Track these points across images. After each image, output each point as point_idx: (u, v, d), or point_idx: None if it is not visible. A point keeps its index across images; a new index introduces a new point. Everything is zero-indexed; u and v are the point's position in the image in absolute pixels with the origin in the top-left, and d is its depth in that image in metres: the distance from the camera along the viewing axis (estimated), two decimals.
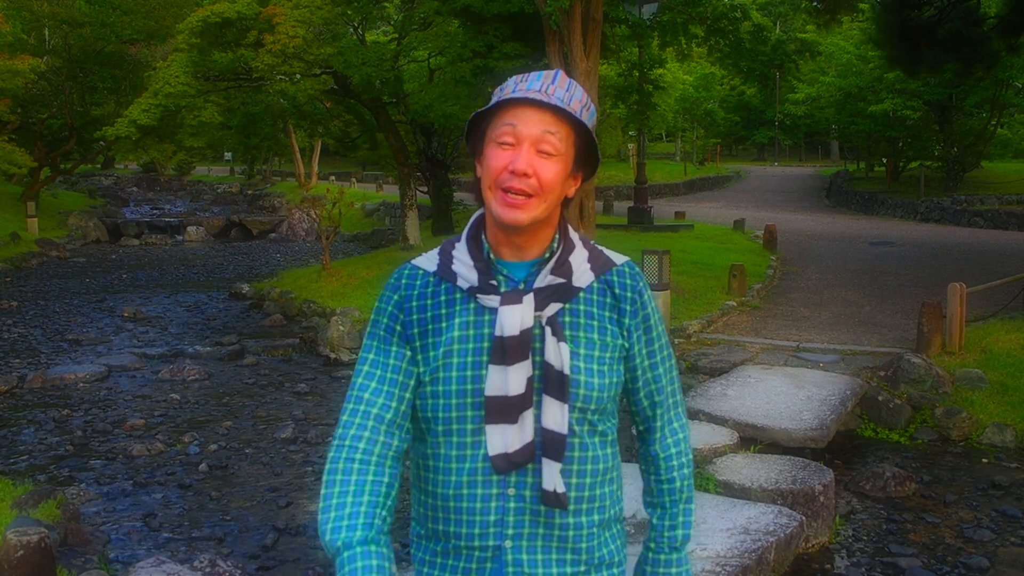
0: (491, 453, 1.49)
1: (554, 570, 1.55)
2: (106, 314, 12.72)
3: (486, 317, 1.51)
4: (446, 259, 1.56)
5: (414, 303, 1.55)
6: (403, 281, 1.58)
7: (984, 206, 21.35)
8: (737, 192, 31.79)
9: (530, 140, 1.46)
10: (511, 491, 1.52)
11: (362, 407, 1.53)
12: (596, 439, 1.56)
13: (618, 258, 1.61)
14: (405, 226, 16.43)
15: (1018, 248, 15.23)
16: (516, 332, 1.48)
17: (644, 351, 1.60)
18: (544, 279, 1.52)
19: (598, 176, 18.17)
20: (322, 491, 1.51)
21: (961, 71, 15.51)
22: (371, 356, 1.56)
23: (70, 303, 13.73)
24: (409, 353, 1.55)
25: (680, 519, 1.67)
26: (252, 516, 5.35)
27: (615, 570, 1.63)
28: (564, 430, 1.49)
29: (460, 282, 1.53)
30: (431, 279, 1.56)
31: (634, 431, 1.70)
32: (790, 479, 4.84)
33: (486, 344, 1.50)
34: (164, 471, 6.14)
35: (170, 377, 8.78)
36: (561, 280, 1.52)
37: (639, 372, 1.61)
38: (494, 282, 1.52)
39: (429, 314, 1.54)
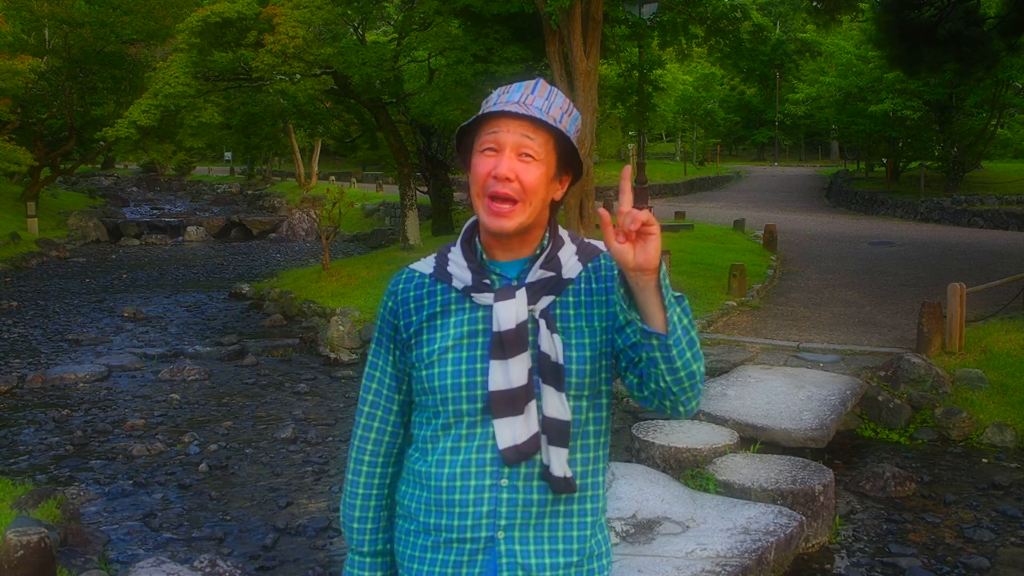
0: (502, 446, 1.54)
1: (547, 560, 1.58)
2: (106, 314, 12.72)
3: (480, 314, 1.58)
4: (442, 262, 1.64)
5: (411, 304, 1.63)
6: (400, 286, 1.67)
7: (984, 206, 21.35)
8: (737, 192, 31.79)
9: (511, 146, 1.54)
10: (504, 482, 1.56)
11: (376, 410, 1.71)
12: (591, 427, 1.63)
13: (603, 246, 1.64)
14: (405, 226, 16.43)
15: (1018, 248, 15.23)
16: (512, 326, 1.54)
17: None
18: (535, 274, 1.59)
19: (598, 176, 18.15)
20: (346, 487, 1.75)
21: (961, 71, 15.51)
22: (376, 360, 1.72)
23: (70, 303, 13.73)
24: (404, 357, 1.66)
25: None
26: (252, 516, 5.35)
27: (604, 561, 1.67)
28: (567, 416, 1.55)
29: (455, 282, 1.61)
30: (427, 281, 1.64)
31: (635, 384, 1.60)
32: (790, 479, 4.84)
33: (480, 340, 1.57)
34: (164, 471, 6.14)
35: (170, 377, 8.78)
36: (551, 273, 1.59)
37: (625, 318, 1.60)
38: (487, 281, 1.59)
39: (425, 313, 1.62)
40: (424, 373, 1.59)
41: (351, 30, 16.92)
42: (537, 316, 1.56)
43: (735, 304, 10.04)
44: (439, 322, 1.60)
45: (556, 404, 1.55)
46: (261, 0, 14.04)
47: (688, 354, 1.46)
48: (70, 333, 11.14)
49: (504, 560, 1.56)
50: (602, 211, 1.43)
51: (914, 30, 12.04)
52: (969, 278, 9.33)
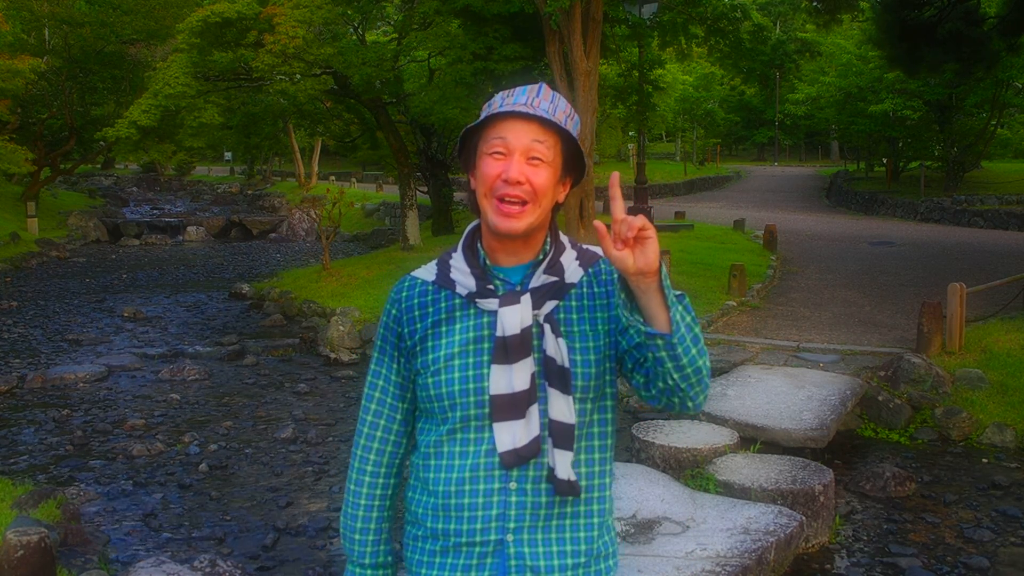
0: (500, 450, 1.55)
1: (555, 562, 1.59)
2: (106, 314, 12.72)
3: (485, 320, 1.58)
4: (444, 268, 1.65)
5: (415, 312, 1.64)
6: (403, 294, 1.67)
7: (984, 206, 21.34)
8: (737, 192, 31.79)
9: (520, 150, 1.55)
10: (513, 485, 1.57)
11: (379, 419, 1.71)
12: (595, 428, 1.63)
13: (601, 251, 1.67)
14: (405, 226, 16.43)
15: (1018, 248, 15.23)
16: (517, 331, 1.55)
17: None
18: (539, 279, 1.59)
19: (598, 176, 18.15)
20: (347, 497, 1.74)
21: (961, 71, 15.50)
22: (379, 369, 1.70)
23: (70, 303, 13.73)
24: (408, 365, 1.66)
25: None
26: (252, 516, 5.35)
27: (611, 562, 1.68)
28: (572, 420, 1.56)
29: (459, 289, 1.61)
30: (430, 288, 1.65)
31: (641, 383, 1.61)
32: (790, 479, 4.84)
33: (486, 346, 1.57)
34: (164, 471, 6.14)
35: (170, 377, 8.78)
36: (554, 278, 1.60)
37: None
38: (491, 286, 1.59)
39: (430, 320, 1.62)
40: (431, 380, 1.60)
41: (351, 30, 16.92)
42: (542, 321, 1.57)
43: (735, 304, 10.04)
44: (444, 328, 1.60)
45: (562, 407, 1.56)
46: (261, 0, 14.04)
47: (693, 351, 1.46)
48: (70, 333, 11.14)
49: (513, 563, 1.57)
50: (597, 224, 1.44)
51: (914, 30, 12.04)
52: (969, 278, 9.33)
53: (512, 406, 1.55)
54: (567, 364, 1.55)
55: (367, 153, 24.70)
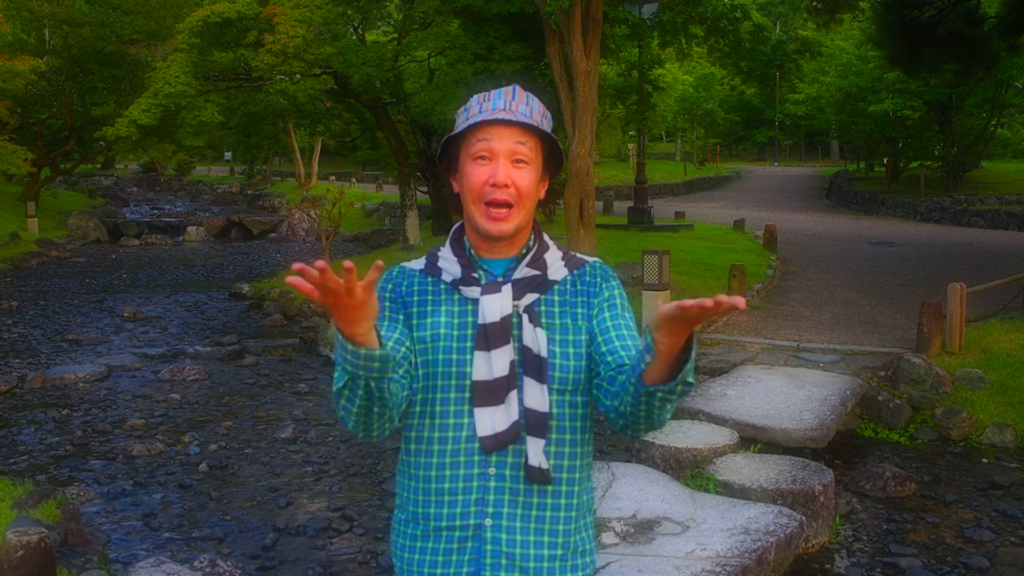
0: (480, 434, 1.59)
1: (532, 551, 1.62)
2: (106, 314, 12.72)
3: (468, 307, 1.64)
4: (432, 259, 1.72)
5: (403, 289, 1.70)
6: (394, 274, 1.74)
7: (984, 206, 21.35)
8: (737, 192, 31.79)
9: (505, 153, 1.61)
10: (492, 470, 1.61)
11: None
12: (578, 423, 1.66)
13: (590, 258, 1.76)
14: (405, 226, 16.44)
15: (1018, 248, 15.23)
16: (497, 319, 1.61)
17: (606, 313, 1.66)
18: (521, 272, 1.66)
19: (598, 176, 18.16)
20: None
21: (961, 71, 15.51)
22: (381, 323, 1.65)
23: (70, 303, 13.73)
24: (404, 318, 1.67)
25: None
26: (252, 516, 5.35)
27: (587, 558, 1.71)
28: (546, 408, 1.60)
29: (444, 276, 1.68)
30: (417, 274, 1.71)
31: (606, 391, 1.60)
32: (790, 479, 4.84)
33: (469, 332, 1.62)
34: (164, 471, 6.14)
35: (170, 377, 8.78)
36: (537, 273, 1.66)
37: (605, 326, 1.64)
38: (475, 275, 1.65)
39: (416, 299, 1.68)
40: (419, 359, 1.64)
41: (351, 30, 16.92)
42: (521, 311, 1.62)
43: None
44: (430, 309, 1.66)
45: (537, 396, 1.59)
46: (261, 0, 14.04)
47: (668, 407, 1.48)
48: (70, 333, 11.14)
49: (489, 547, 1.60)
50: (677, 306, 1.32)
51: (914, 30, 12.04)
52: (969, 278, 9.33)
53: (492, 392, 1.59)
54: (544, 354, 1.60)
55: (367, 153, 24.75)
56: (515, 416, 1.59)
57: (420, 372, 1.64)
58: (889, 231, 18.76)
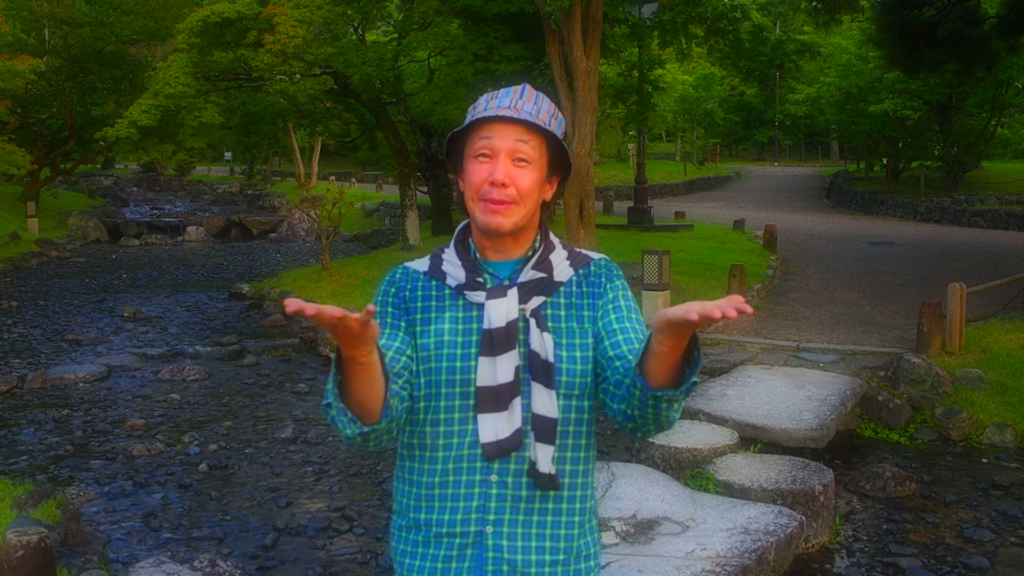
0: (483, 441, 1.57)
1: (534, 557, 1.60)
2: (106, 314, 12.72)
3: (474, 312, 1.61)
4: (436, 261, 1.68)
5: (407, 294, 1.66)
6: (398, 276, 1.69)
7: (984, 206, 21.34)
8: (737, 192, 31.79)
9: (505, 152, 1.58)
10: (494, 478, 1.58)
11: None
12: (583, 427, 1.64)
13: (595, 255, 1.71)
14: (405, 226, 16.43)
15: (1018, 248, 15.23)
16: (503, 324, 1.57)
17: (612, 316, 1.63)
18: (527, 275, 1.62)
19: (598, 176, 18.15)
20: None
21: (961, 71, 15.50)
22: (383, 331, 1.62)
23: (70, 303, 13.73)
24: (406, 325, 1.63)
25: None
26: (252, 516, 5.35)
27: (592, 563, 1.68)
28: (555, 414, 1.57)
29: (449, 280, 1.64)
30: (421, 277, 1.67)
31: (612, 394, 1.59)
32: (790, 479, 4.84)
33: (474, 338, 1.60)
34: (164, 471, 6.14)
35: (170, 377, 8.78)
36: (543, 275, 1.63)
37: (611, 329, 1.62)
38: (480, 279, 1.62)
39: (420, 304, 1.64)
40: (422, 367, 1.62)
41: (351, 30, 16.92)
42: (528, 315, 1.60)
43: None
44: (433, 315, 1.63)
45: (545, 402, 1.57)
46: (261, 0, 14.04)
47: (675, 407, 1.46)
48: (70, 333, 11.14)
49: (491, 554, 1.59)
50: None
51: (914, 30, 12.04)
52: (969, 278, 9.33)
53: (496, 398, 1.56)
54: (551, 359, 1.57)
55: (367, 153, 24.74)
56: (518, 423, 1.57)
57: (422, 380, 1.61)
58: (889, 231, 18.76)
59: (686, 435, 5.47)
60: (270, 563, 4.69)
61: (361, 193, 30.11)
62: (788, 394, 6.51)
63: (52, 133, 27.49)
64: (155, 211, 31.44)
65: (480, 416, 1.57)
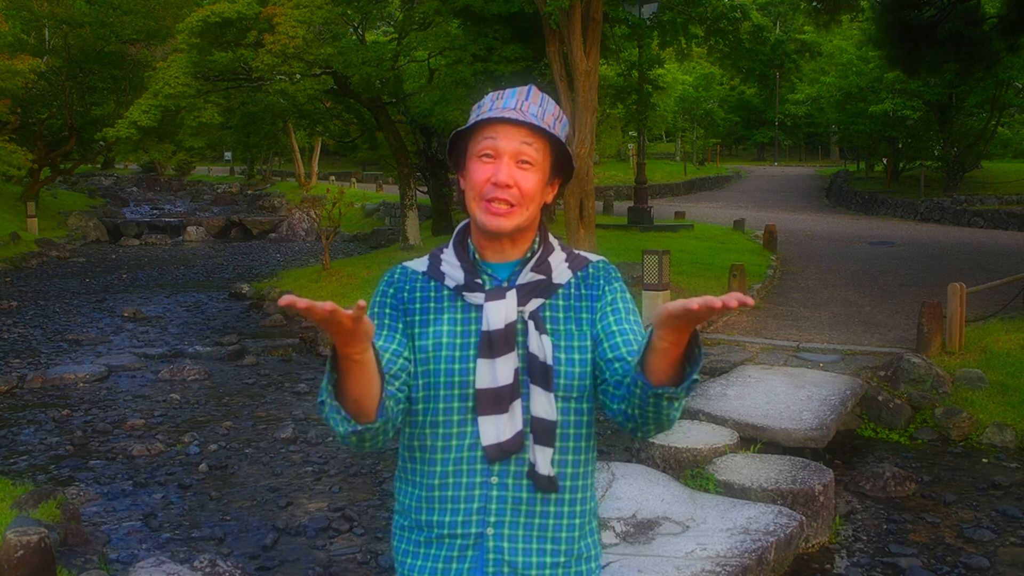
0: (485, 443, 1.57)
1: (534, 559, 1.60)
2: (106, 314, 12.72)
3: (472, 314, 1.61)
4: (435, 262, 1.67)
5: (405, 295, 1.65)
6: (396, 276, 1.68)
7: (984, 206, 21.35)
8: (737, 192, 31.79)
9: (509, 153, 1.58)
10: (494, 479, 1.58)
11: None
12: (583, 429, 1.63)
13: (593, 257, 1.71)
14: (405, 226, 16.43)
15: (1018, 248, 15.23)
16: (501, 326, 1.57)
17: (610, 317, 1.63)
18: (525, 276, 1.62)
19: (598, 176, 18.15)
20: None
21: (961, 71, 15.52)
22: (380, 332, 1.62)
23: (70, 303, 13.73)
24: (406, 333, 1.63)
25: None
26: (252, 516, 5.35)
27: (592, 564, 1.68)
28: (553, 417, 1.57)
29: (447, 281, 1.64)
30: (420, 277, 1.67)
31: (612, 395, 1.58)
32: (790, 479, 4.84)
33: (473, 339, 1.59)
34: (164, 471, 6.14)
35: (170, 377, 8.78)
36: (541, 277, 1.62)
37: (610, 331, 1.61)
38: (479, 280, 1.61)
39: (418, 306, 1.64)
40: (419, 369, 1.61)
41: (351, 30, 16.91)
42: (527, 317, 1.59)
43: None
44: (432, 317, 1.62)
45: (544, 404, 1.57)
46: (261, 0, 14.03)
47: (676, 405, 1.46)
48: (70, 333, 11.14)
49: (492, 556, 1.59)
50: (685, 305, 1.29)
51: (914, 30, 12.04)
52: (969, 278, 9.33)
53: (496, 400, 1.56)
54: (550, 362, 1.57)
55: (367, 153, 24.74)
56: (519, 425, 1.57)
57: (420, 382, 1.60)
58: (889, 231, 18.76)
59: (686, 435, 5.46)
60: (270, 563, 4.69)
61: (361, 193, 30.11)
62: (788, 394, 6.51)
63: (52, 133, 27.49)
64: (155, 211, 31.44)
65: (481, 418, 1.57)
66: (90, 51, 25.20)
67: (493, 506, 1.58)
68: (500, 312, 1.57)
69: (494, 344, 1.56)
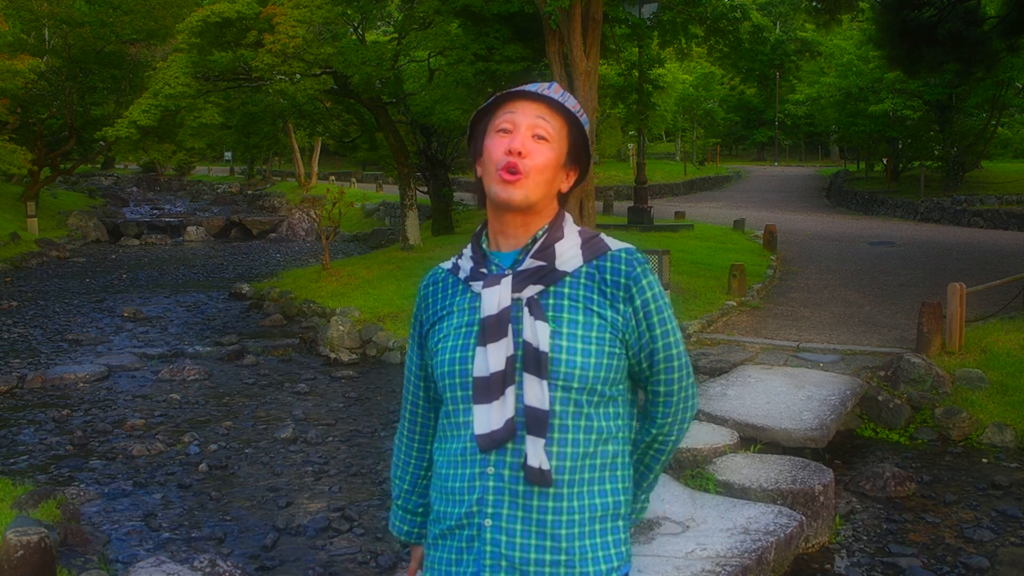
0: (476, 432, 1.56)
1: (532, 555, 1.55)
2: (106, 314, 12.72)
3: (476, 303, 1.62)
4: (458, 256, 1.72)
5: (429, 299, 1.72)
6: (426, 281, 1.76)
7: (984, 206, 21.34)
8: (737, 192, 31.80)
9: (526, 125, 1.59)
10: (491, 470, 1.57)
11: (410, 392, 1.82)
12: (582, 422, 1.57)
13: (615, 244, 1.64)
14: (405, 226, 16.43)
15: (1018, 248, 15.23)
16: (494, 311, 1.57)
17: (647, 335, 1.62)
18: (526, 263, 1.61)
19: (598, 176, 18.16)
20: (392, 462, 1.89)
21: (961, 71, 15.50)
22: (410, 353, 1.81)
23: (70, 303, 13.73)
24: (425, 348, 1.75)
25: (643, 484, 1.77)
26: (252, 516, 5.35)
27: (602, 567, 1.58)
28: (546, 406, 1.54)
29: (460, 273, 1.68)
30: (442, 275, 1.73)
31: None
32: (790, 479, 4.84)
33: (475, 328, 1.60)
34: (164, 471, 6.14)
35: (170, 377, 8.78)
36: (541, 263, 1.60)
37: (640, 349, 1.63)
38: (484, 270, 1.63)
39: (439, 305, 1.70)
40: (433, 361, 1.67)
41: (351, 30, 16.90)
42: (523, 304, 1.57)
43: (735, 304, 10.04)
44: (446, 312, 1.67)
45: (537, 392, 1.53)
46: (261, 0, 14.03)
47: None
48: (70, 333, 11.14)
49: (488, 548, 1.56)
50: None
51: (914, 30, 12.04)
52: (969, 278, 9.33)
53: (487, 388, 1.55)
54: (544, 348, 1.53)
55: (367, 153, 24.68)
56: (510, 413, 1.53)
57: (435, 373, 1.65)
58: (889, 231, 18.76)
59: (686, 435, 5.46)
60: (270, 563, 4.69)
61: (361, 193, 30.11)
62: (788, 394, 6.51)
63: (52, 133, 27.49)
64: (155, 211, 31.44)
65: (475, 407, 1.56)
66: (90, 51, 25.19)
67: (490, 497, 1.56)
68: (494, 298, 1.57)
69: (487, 331, 1.56)
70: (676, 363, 1.64)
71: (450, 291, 1.68)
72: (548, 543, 1.55)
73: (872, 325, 9.04)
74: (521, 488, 1.55)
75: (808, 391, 6.57)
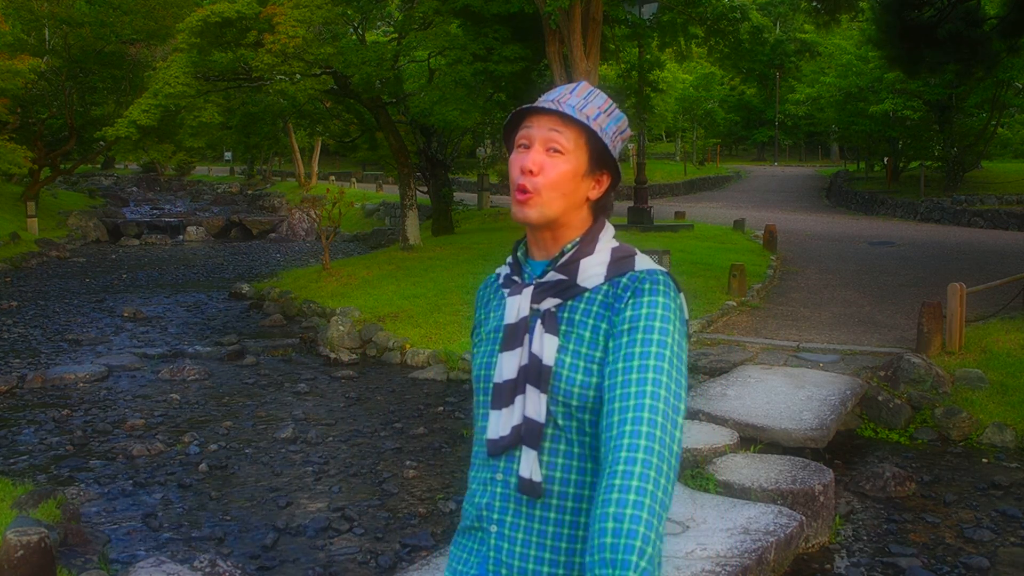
0: (487, 437, 1.60)
1: (531, 565, 1.54)
2: (106, 314, 12.72)
3: (505, 311, 1.65)
4: (506, 263, 1.74)
5: (480, 304, 1.77)
6: (481, 286, 1.79)
7: (984, 206, 21.35)
8: (737, 192, 31.79)
9: (540, 139, 1.58)
10: (499, 476, 1.59)
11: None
12: (587, 439, 1.54)
13: (644, 265, 1.58)
14: (405, 226, 16.43)
15: (1018, 248, 15.23)
16: (513, 320, 1.59)
17: (618, 352, 1.47)
18: (549, 275, 1.60)
19: None
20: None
21: (961, 71, 15.51)
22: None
23: (70, 303, 13.73)
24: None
25: None
26: (252, 516, 5.35)
27: None
28: (541, 419, 1.53)
29: (501, 280, 1.71)
30: (494, 280, 1.76)
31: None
32: (790, 479, 4.84)
33: (501, 335, 1.63)
34: (164, 471, 6.14)
35: (170, 377, 8.78)
36: (563, 277, 1.58)
37: (606, 370, 1.48)
38: (516, 278, 1.64)
39: (483, 311, 1.74)
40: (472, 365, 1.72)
41: (351, 30, 16.90)
42: (539, 316, 1.57)
43: (735, 304, 10.04)
44: (486, 317, 1.71)
45: (535, 404, 1.54)
46: (261, 0, 14.03)
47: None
48: (70, 333, 11.14)
49: (492, 554, 1.58)
50: None
51: (914, 30, 12.04)
52: (969, 278, 9.33)
53: (501, 395, 1.58)
54: (548, 362, 1.52)
55: (367, 153, 24.72)
56: (517, 421, 1.55)
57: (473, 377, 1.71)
58: (889, 231, 18.76)
59: (686, 435, 5.46)
60: (270, 563, 4.69)
61: (361, 193, 30.11)
62: (788, 394, 6.51)
63: (52, 133, 27.49)
64: (155, 211, 31.44)
65: (491, 412, 1.60)
66: (90, 51, 25.19)
67: (497, 503, 1.58)
68: (514, 307, 1.59)
69: (506, 338, 1.59)
70: (643, 414, 1.39)
71: (492, 297, 1.72)
72: (547, 555, 1.54)
73: (872, 325, 9.04)
74: (525, 497, 1.55)
75: (808, 391, 6.57)
